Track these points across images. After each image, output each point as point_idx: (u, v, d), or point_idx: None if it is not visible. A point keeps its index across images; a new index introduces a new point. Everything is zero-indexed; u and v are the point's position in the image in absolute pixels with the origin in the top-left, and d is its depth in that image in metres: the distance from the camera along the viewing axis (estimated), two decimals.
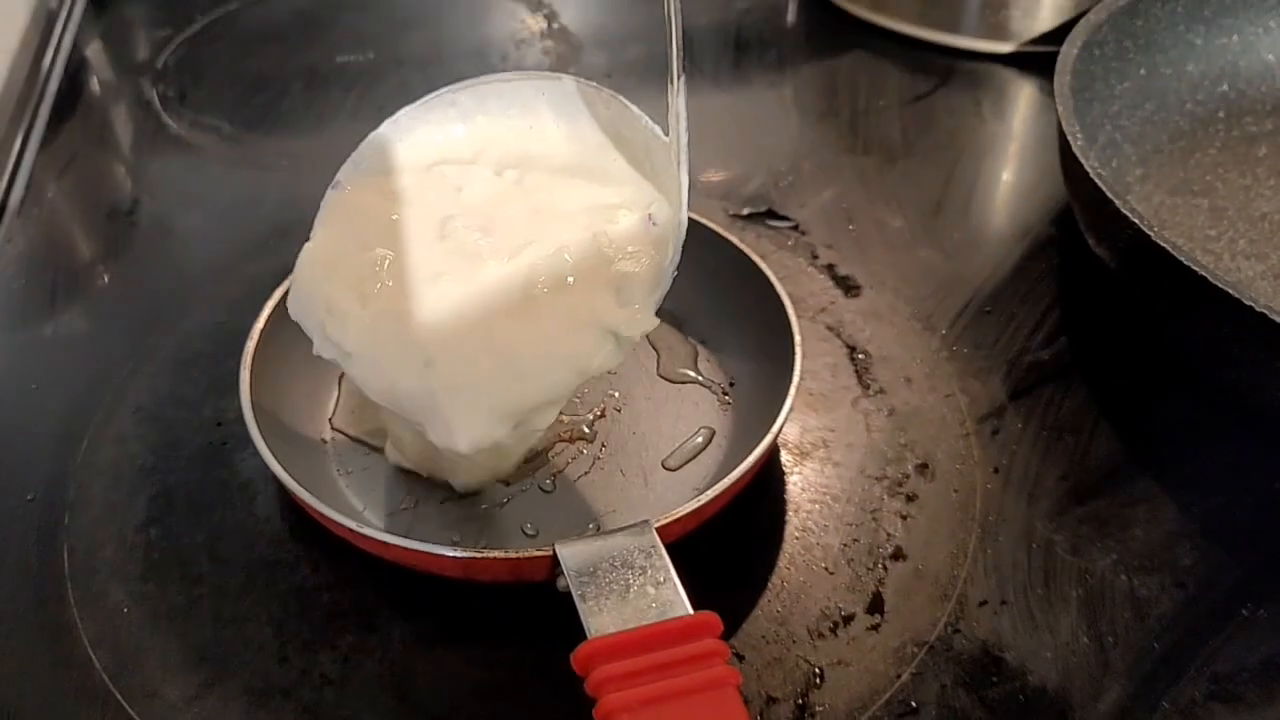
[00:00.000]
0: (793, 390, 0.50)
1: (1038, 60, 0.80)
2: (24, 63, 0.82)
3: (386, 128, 0.52)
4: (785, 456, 0.55)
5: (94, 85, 0.83)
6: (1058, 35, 0.74)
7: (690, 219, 0.58)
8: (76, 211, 0.73)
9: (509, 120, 0.51)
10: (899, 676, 0.46)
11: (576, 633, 0.41)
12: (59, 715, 0.45)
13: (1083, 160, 0.57)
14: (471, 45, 0.89)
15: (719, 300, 0.58)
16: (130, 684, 0.46)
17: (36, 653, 0.47)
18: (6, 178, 0.73)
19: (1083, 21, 0.68)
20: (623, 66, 0.85)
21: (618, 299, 0.46)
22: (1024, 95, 0.81)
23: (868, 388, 0.58)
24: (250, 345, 0.52)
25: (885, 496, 0.53)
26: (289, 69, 0.83)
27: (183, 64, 0.84)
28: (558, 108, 0.51)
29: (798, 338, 0.52)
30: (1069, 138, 0.59)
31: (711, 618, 0.40)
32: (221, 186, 0.74)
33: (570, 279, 0.46)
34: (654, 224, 0.47)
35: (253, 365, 0.51)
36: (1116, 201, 0.54)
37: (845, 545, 0.51)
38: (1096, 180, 0.55)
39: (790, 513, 0.52)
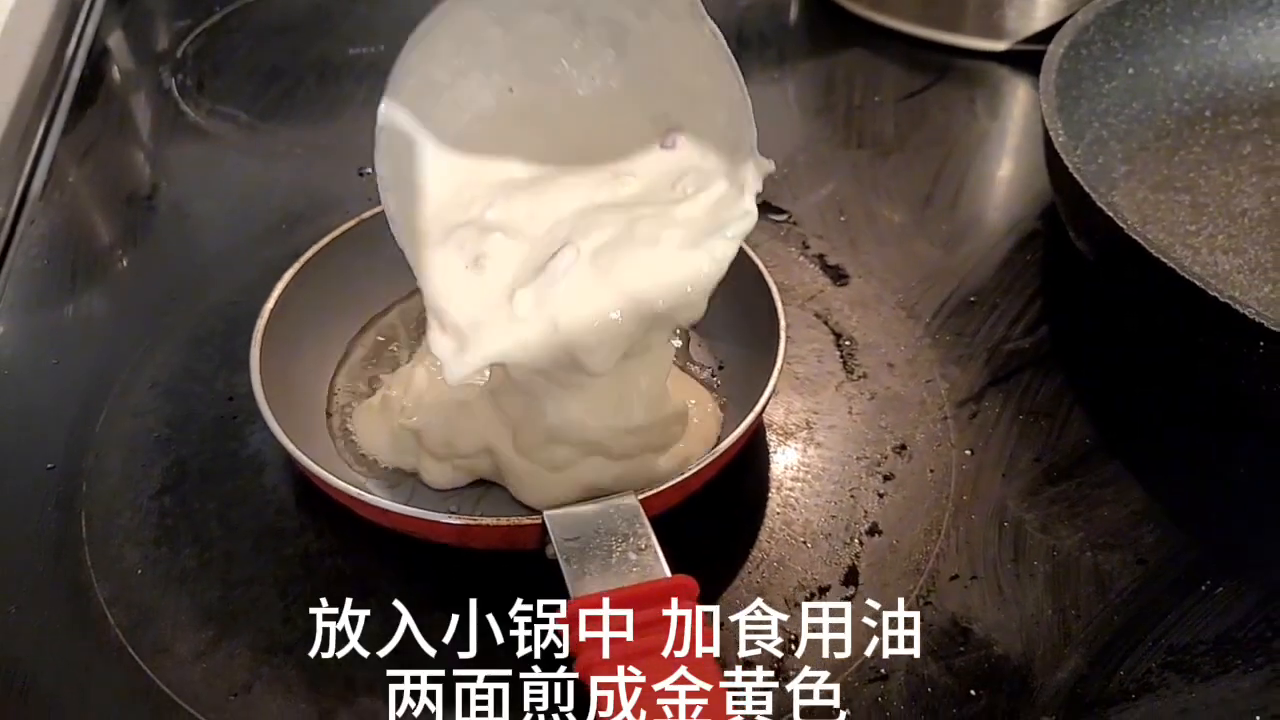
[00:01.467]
0: (776, 372, 0.52)
1: (1032, 58, 0.81)
2: (48, 52, 0.84)
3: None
4: (770, 437, 0.57)
5: (115, 74, 0.86)
6: (1052, 34, 0.75)
7: None
8: (97, 196, 0.76)
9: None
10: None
11: (564, 597, 0.44)
12: (76, 669, 0.48)
13: (1063, 155, 0.59)
14: None
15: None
16: (143, 640, 0.49)
17: (55, 611, 0.50)
18: (30, 163, 0.76)
19: (1070, 21, 0.70)
20: None
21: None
22: (1017, 93, 0.83)
23: (851, 372, 0.60)
24: (261, 324, 0.54)
25: (864, 475, 0.55)
26: (304, 60, 0.86)
27: (201, 54, 0.87)
28: None
29: (783, 322, 0.54)
30: (1051, 133, 0.61)
31: (688, 581, 0.42)
32: (237, 173, 0.77)
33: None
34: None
35: (263, 342, 0.54)
36: (1093, 195, 0.56)
37: (824, 521, 0.53)
38: (1075, 175, 0.58)
39: (773, 490, 0.55)
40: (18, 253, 0.69)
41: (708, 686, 0.39)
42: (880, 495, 0.54)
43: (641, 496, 0.46)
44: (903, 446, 0.56)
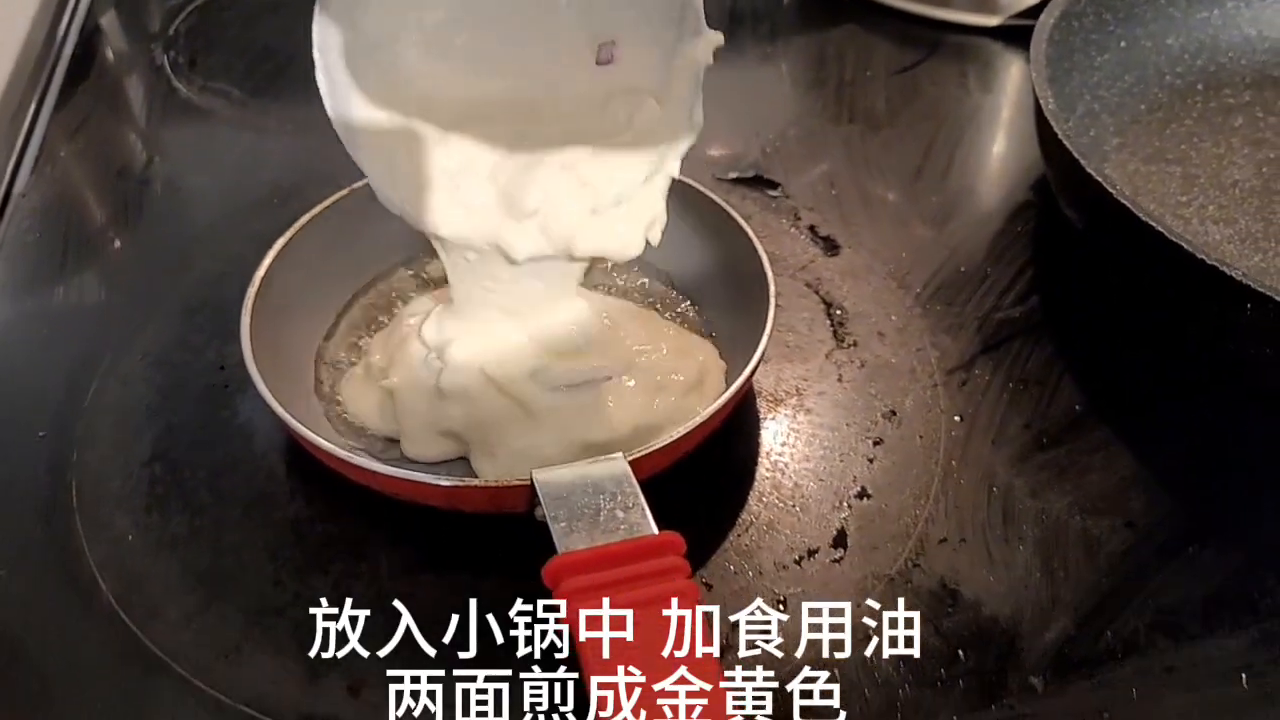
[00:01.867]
0: (765, 337, 0.52)
1: (1023, 34, 0.81)
2: (41, 28, 0.84)
3: None
4: (760, 404, 0.57)
5: (107, 51, 0.86)
6: (1043, 10, 0.75)
7: (678, 181, 0.61)
8: (89, 171, 0.76)
9: None
10: (859, 606, 0.48)
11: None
12: (67, 632, 0.48)
13: (1053, 123, 0.59)
14: None
15: (703, 257, 0.60)
16: (134, 604, 0.49)
17: (47, 576, 0.50)
18: (22, 138, 0.75)
19: None
20: None
21: None
22: (1009, 67, 0.83)
23: (842, 341, 0.60)
24: (251, 292, 0.54)
25: (854, 441, 0.55)
26: (295, 38, 0.84)
27: (193, 31, 0.87)
28: None
29: (772, 289, 0.54)
30: (1041, 101, 0.61)
31: (674, 537, 0.42)
32: (229, 149, 0.77)
33: None
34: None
35: (254, 312, 0.54)
36: (1083, 162, 0.56)
37: (813, 486, 0.53)
38: (1064, 141, 0.58)
39: (762, 456, 0.55)
40: (10, 226, 0.69)
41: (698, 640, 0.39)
42: (870, 460, 0.54)
43: (630, 457, 0.46)
44: (892, 413, 0.56)
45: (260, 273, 0.55)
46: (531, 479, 0.46)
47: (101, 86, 0.82)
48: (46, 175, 0.73)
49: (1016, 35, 0.83)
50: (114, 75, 0.84)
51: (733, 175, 0.72)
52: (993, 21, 0.84)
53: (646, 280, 0.61)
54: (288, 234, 0.57)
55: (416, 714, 0.45)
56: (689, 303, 0.60)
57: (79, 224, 0.71)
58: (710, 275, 0.60)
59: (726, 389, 0.52)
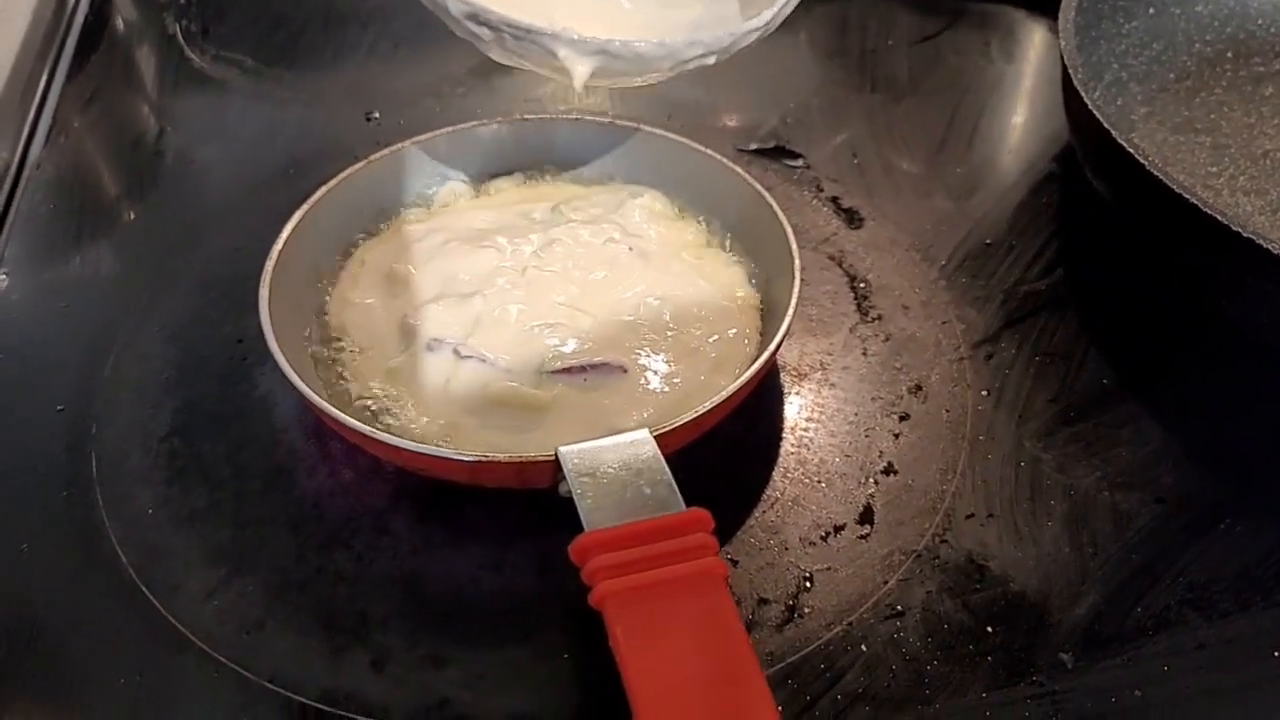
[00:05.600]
0: (790, 312, 0.51)
1: (1047, 2, 0.80)
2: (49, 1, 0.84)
3: None
4: (784, 378, 0.56)
5: (118, 21, 0.85)
6: None
7: (702, 153, 0.60)
8: (102, 141, 0.75)
9: None
10: (886, 582, 0.48)
11: (573, 536, 0.44)
12: (89, 605, 0.48)
13: (1082, 92, 0.58)
14: None
15: (727, 230, 0.59)
16: (155, 578, 0.49)
17: (67, 550, 0.50)
18: (34, 109, 0.75)
19: None
20: None
21: None
22: (1032, 37, 0.82)
23: (866, 314, 0.60)
24: (269, 265, 0.54)
25: (879, 416, 0.55)
26: (308, 6, 0.85)
27: (205, 0, 0.86)
28: None
29: (797, 263, 0.54)
30: (1070, 70, 0.60)
31: (702, 514, 0.42)
32: (243, 119, 0.76)
33: None
34: None
35: (272, 283, 0.53)
36: (1114, 132, 0.55)
37: (839, 461, 0.53)
38: (1095, 112, 0.56)
39: (787, 431, 0.54)
40: (24, 198, 0.68)
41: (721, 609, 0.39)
42: (896, 436, 0.54)
43: (656, 433, 0.46)
44: (918, 387, 0.56)
45: (278, 246, 0.55)
46: (557, 454, 0.45)
47: (113, 56, 0.81)
48: (59, 147, 0.72)
49: (1039, 4, 0.82)
50: (126, 45, 0.83)
51: (754, 146, 0.71)
52: None
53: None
54: (304, 207, 0.57)
55: (440, 689, 0.45)
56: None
57: (93, 196, 0.70)
58: (729, 245, 0.60)
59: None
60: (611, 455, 0.45)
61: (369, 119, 0.74)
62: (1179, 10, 0.74)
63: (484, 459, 0.46)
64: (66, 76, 0.78)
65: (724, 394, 0.48)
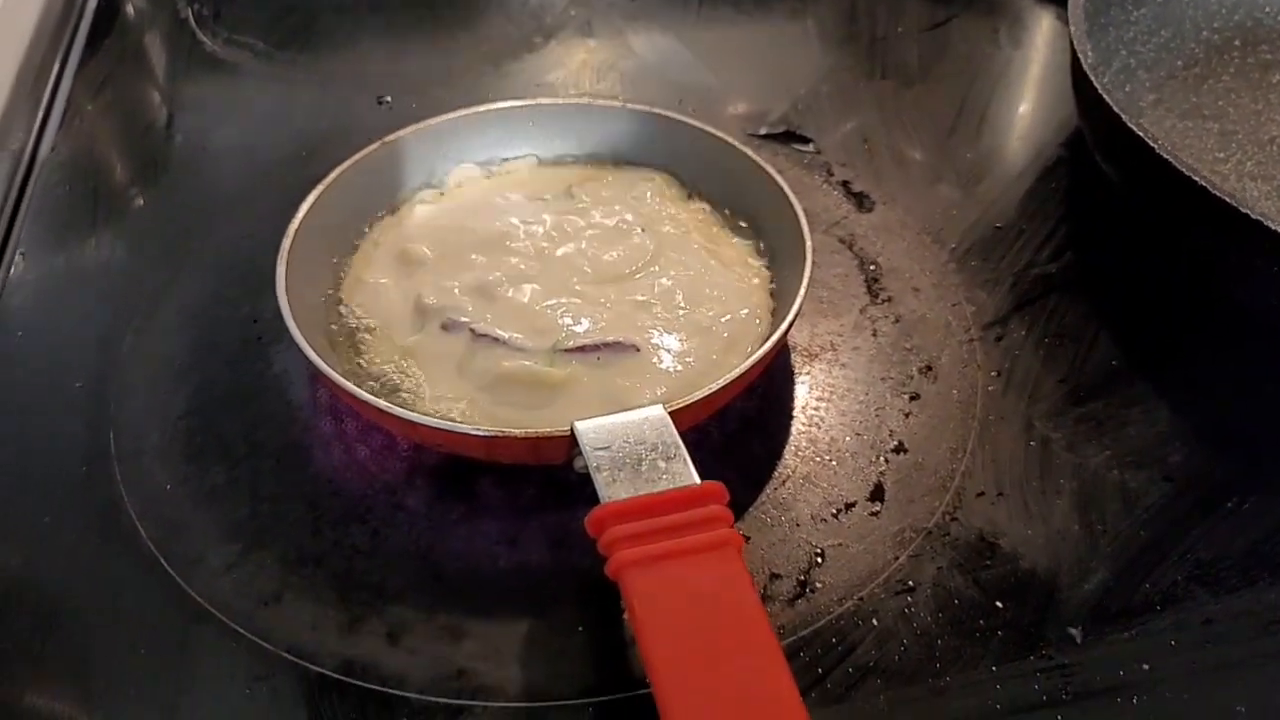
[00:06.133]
0: (802, 292, 0.52)
1: None
2: None
3: None
4: (795, 359, 0.57)
5: (130, 5, 0.85)
6: None
7: (714, 136, 0.61)
8: (116, 124, 0.75)
9: None
10: (897, 559, 0.48)
11: (588, 511, 0.44)
12: (110, 580, 0.49)
13: (1092, 77, 0.58)
14: None
15: (738, 213, 0.60)
16: (174, 552, 0.49)
17: (87, 525, 0.51)
18: (48, 94, 0.75)
19: None
20: None
21: None
22: (1041, 24, 0.82)
23: (876, 296, 0.60)
24: (286, 244, 0.54)
25: (889, 395, 0.55)
26: None
27: None
28: None
29: (809, 245, 0.54)
30: (1080, 55, 0.60)
31: (717, 486, 0.42)
32: (255, 102, 0.77)
33: None
34: None
35: (288, 263, 0.54)
36: (1123, 116, 0.56)
37: (849, 439, 0.53)
38: (1104, 96, 0.57)
39: (798, 410, 0.55)
40: (39, 182, 0.68)
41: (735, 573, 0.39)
42: (906, 415, 0.54)
43: (670, 408, 0.46)
44: (928, 368, 0.56)
45: (294, 226, 0.55)
46: (572, 429, 0.45)
47: (125, 40, 0.81)
48: (73, 131, 0.73)
49: None
50: (137, 29, 0.83)
51: (764, 131, 0.71)
52: None
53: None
54: (319, 188, 0.57)
55: (456, 660, 0.45)
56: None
57: (107, 180, 0.71)
58: (741, 226, 0.60)
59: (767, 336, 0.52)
60: (626, 430, 0.45)
61: (381, 103, 0.74)
62: None
63: (501, 434, 0.47)
64: (79, 61, 0.78)
65: (737, 371, 0.48)
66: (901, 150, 0.70)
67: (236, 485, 0.52)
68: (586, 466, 0.45)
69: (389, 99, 0.74)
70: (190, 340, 0.59)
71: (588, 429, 0.45)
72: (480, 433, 0.47)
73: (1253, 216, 0.50)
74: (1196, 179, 0.52)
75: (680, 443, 0.45)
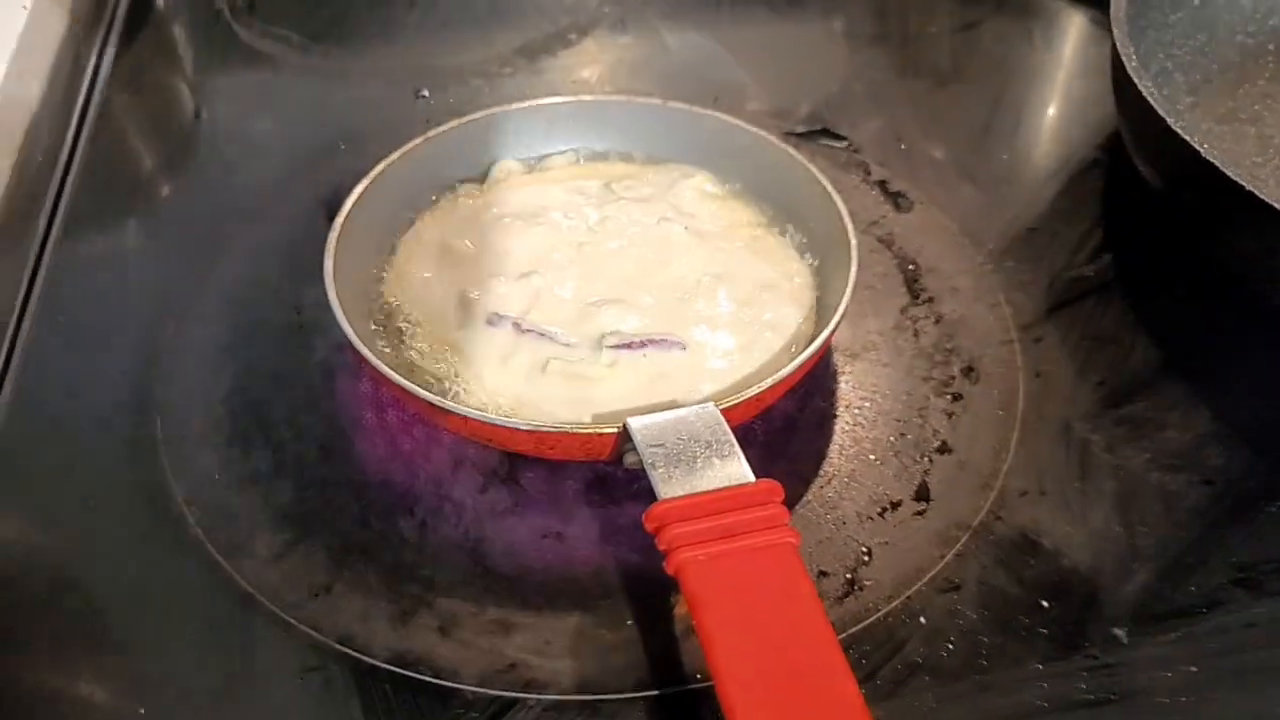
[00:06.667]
0: (848, 292, 0.52)
1: None
2: None
3: None
4: (837, 358, 0.57)
5: None
6: None
7: (755, 134, 0.61)
8: (153, 114, 0.75)
9: None
10: (942, 557, 0.49)
11: (635, 506, 0.45)
12: (159, 566, 0.49)
13: (1135, 79, 0.59)
14: None
15: (779, 211, 0.60)
16: (222, 539, 0.50)
17: (135, 510, 0.51)
18: (87, 82, 0.75)
19: None
20: None
21: None
22: (1074, 25, 0.82)
23: (916, 296, 0.60)
24: (333, 236, 0.54)
25: (931, 396, 0.55)
26: None
27: None
28: None
29: (854, 245, 0.54)
30: (1123, 58, 0.60)
31: (774, 485, 0.43)
32: (291, 95, 0.77)
33: None
34: None
35: (335, 255, 0.54)
36: (1167, 119, 0.56)
37: (893, 439, 0.54)
38: (1148, 98, 0.57)
39: (841, 408, 0.55)
40: (79, 170, 0.68)
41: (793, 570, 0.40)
42: (949, 415, 0.55)
43: (721, 406, 0.47)
44: (970, 369, 0.57)
45: (341, 217, 0.55)
46: (625, 425, 0.46)
47: (160, 32, 0.81)
48: (112, 117, 0.73)
49: None
50: (171, 21, 0.83)
51: (800, 129, 0.72)
52: None
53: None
54: (366, 180, 0.57)
55: (508, 653, 0.46)
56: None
57: (145, 170, 0.71)
58: (787, 227, 0.61)
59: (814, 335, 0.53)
60: (679, 427, 0.46)
61: (419, 96, 0.74)
62: (1224, 2, 0.74)
63: (553, 429, 0.47)
64: (115, 54, 0.78)
65: (787, 370, 0.49)
66: (936, 150, 0.71)
67: (282, 472, 0.52)
68: (640, 462, 0.45)
69: (426, 93, 0.74)
70: (233, 328, 0.59)
71: (641, 425, 0.46)
72: (531, 428, 0.47)
73: None
74: (1243, 183, 0.52)
75: (734, 440, 0.45)
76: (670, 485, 0.43)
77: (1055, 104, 0.77)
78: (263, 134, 0.74)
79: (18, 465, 0.53)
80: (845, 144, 0.70)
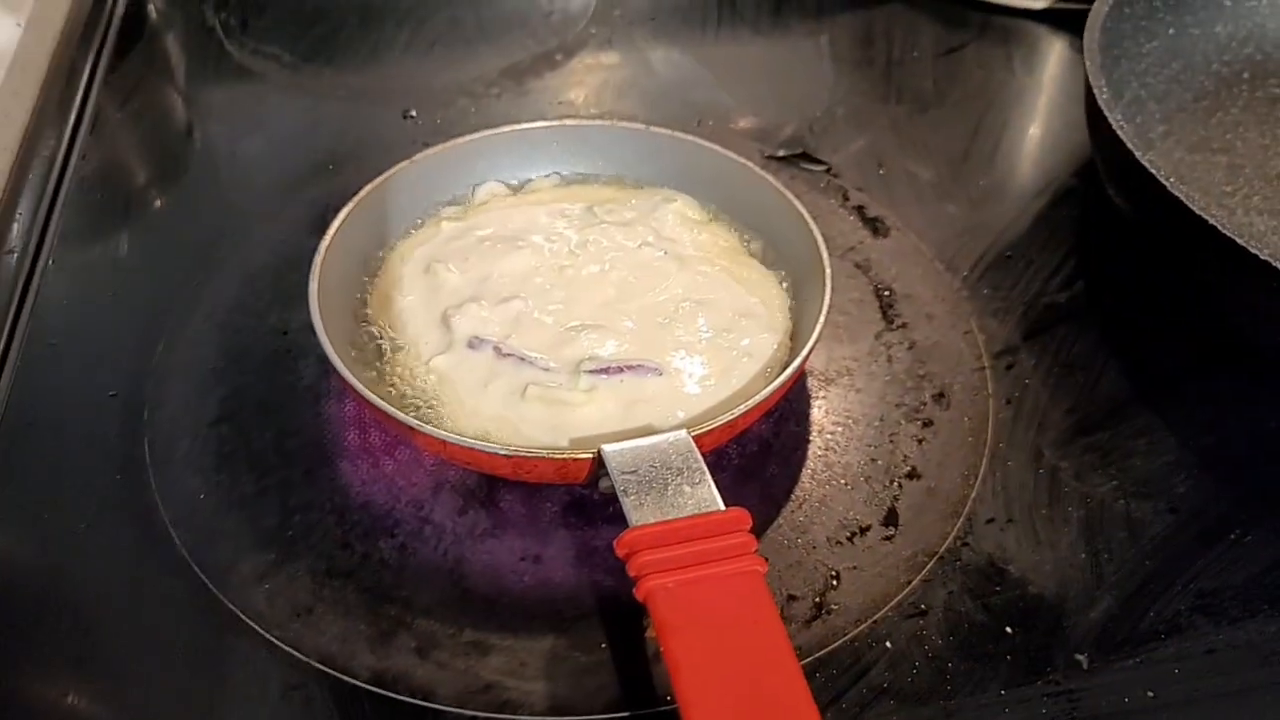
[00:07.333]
0: (821, 319, 0.53)
1: (1070, 17, 0.83)
2: None
3: None
4: (811, 382, 0.58)
5: (156, 12, 0.86)
6: None
7: (734, 161, 0.62)
8: (144, 132, 0.77)
9: None
10: (909, 582, 0.50)
11: (610, 530, 0.45)
12: (145, 586, 0.50)
13: (1107, 114, 0.60)
14: None
15: (757, 236, 0.61)
16: (208, 560, 0.51)
17: (122, 531, 0.52)
18: (78, 101, 0.76)
19: None
20: (666, 7, 0.87)
21: None
22: (1054, 51, 0.83)
23: (891, 322, 0.62)
24: (318, 260, 0.55)
25: (903, 421, 0.57)
26: (346, 2, 0.86)
27: None
28: None
29: (828, 272, 0.55)
30: (1095, 91, 0.61)
31: (742, 514, 0.44)
32: (281, 114, 0.78)
33: None
34: None
35: (320, 279, 0.55)
36: (1137, 154, 0.57)
37: (864, 464, 0.55)
38: (1119, 133, 0.58)
39: (814, 433, 0.56)
40: (71, 188, 0.70)
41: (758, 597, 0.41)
42: (919, 441, 0.56)
43: (693, 433, 0.48)
44: (941, 395, 0.58)
45: (325, 242, 0.56)
46: (599, 452, 0.47)
47: (153, 49, 0.83)
48: (103, 136, 0.74)
49: (1062, 19, 0.84)
50: (164, 37, 0.85)
51: (781, 153, 0.73)
52: (1039, 5, 0.85)
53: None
54: (351, 203, 0.58)
55: (483, 675, 0.47)
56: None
57: (138, 185, 0.72)
58: (763, 253, 0.62)
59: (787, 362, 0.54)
60: (652, 454, 0.47)
61: (406, 117, 0.75)
62: (1198, 31, 0.76)
63: (529, 455, 0.48)
64: (107, 68, 0.79)
65: (759, 397, 0.50)
66: (915, 175, 0.72)
67: (267, 495, 0.53)
68: (612, 488, 0.46)
69: (414, 114, 0.76)
70: (220, 350, 0.60)
71: (614, 452, 0.47)
72: (508, 453, 0.48)
73: (1261, 257, 0.51)
74: (1209, 219, 0.53)
75: (705, 468, 0.46)
76: (641, 512, 0.44)
77: (1033, 130, 0.78)
78: (252, 153, 0.75)
79: (6, 486, 0.54)
80: (825, 168, 0.72)
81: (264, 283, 0.64)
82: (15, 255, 0.65)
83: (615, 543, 0.44)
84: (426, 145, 0.63)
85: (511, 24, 0.85)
